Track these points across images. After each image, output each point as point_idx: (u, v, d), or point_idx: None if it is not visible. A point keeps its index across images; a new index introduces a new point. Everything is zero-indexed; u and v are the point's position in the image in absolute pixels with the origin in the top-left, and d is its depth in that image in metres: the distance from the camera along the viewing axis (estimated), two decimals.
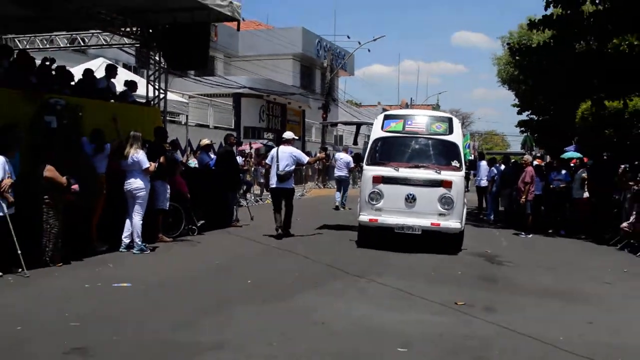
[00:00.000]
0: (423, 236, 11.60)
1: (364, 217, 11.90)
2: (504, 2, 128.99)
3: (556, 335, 6.94)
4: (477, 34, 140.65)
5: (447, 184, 11.49)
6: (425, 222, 11.50)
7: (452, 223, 11.57)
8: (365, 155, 12.59)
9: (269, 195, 15.55)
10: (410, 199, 11.55)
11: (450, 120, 12.79)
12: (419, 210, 11.56)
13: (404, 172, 11.79)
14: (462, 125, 29.06)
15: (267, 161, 14.19)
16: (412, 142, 12.64)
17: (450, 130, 12.43)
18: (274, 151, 13.50)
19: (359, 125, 22.09)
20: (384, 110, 42.83)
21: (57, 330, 6.40)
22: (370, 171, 12.05)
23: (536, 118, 34.67)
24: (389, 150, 12.57)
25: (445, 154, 12.28)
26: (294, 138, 14.17)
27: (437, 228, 11.57)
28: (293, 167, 13.20)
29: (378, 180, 11.80)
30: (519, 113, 36.31)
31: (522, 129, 37.16)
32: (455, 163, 12.00)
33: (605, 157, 19.63)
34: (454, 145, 12.26)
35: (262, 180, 22.93)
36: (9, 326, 6.47)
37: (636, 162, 15.59)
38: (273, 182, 13.25)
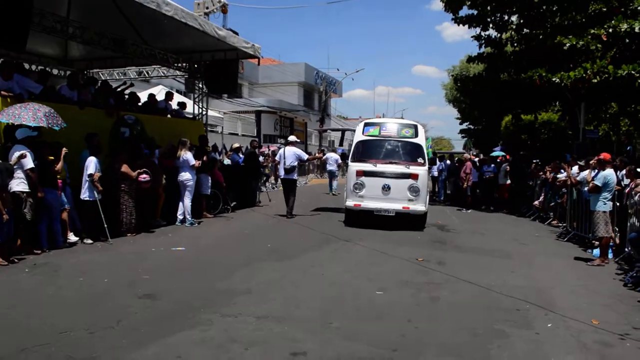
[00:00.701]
0: (396, 217, 11.05)
1: (350, 203, 11.35)
2: (450, 44, 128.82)
3: (488, 281, 7.01)
4: (430, 67, 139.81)
5: (414, 176, 11.06)
6: (397, 206, 10.99)
7: (419, 207, 11.10)
8: (350, 154, 12.10)
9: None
10: (386, 188, 11.06)
11: (415, 127, 12.25)
12: (393, 197, 11.05)
13: (381, 167, 11.28)
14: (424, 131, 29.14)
15: (276, 158, 13.97)
16: (386, 144, 11.96)
17: (416, 135, 11.89)
18: (281, 151, 13.06)
19: (343, 131, 22.20)
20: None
21: (133, 281, 6.44)
22: (354, 167, 11.46)
23: (473, 127, 34.72)
24: (369, 150, 11.91)
25: (412, 153, 11.67)
26: (297, 140, 13.77)
27: (407, 211, 11.04)
28: (296, 162, 12.76)
29: (360, 173, 11.25)
30: (461, 124, 36.41)
31: (463, 135, 37.25)
32: (420, 160, 11.48)
33: (522, 155, 19.72)
34: (419, 146, 11.72)
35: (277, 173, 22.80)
36: (98, 278, 6.53)
37: (538, 160, 15.67)
38: (281, 173, 12.88)
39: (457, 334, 4.99)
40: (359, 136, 12.10)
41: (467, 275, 7.28)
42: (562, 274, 7.88)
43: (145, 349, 4.28)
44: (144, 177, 9.60)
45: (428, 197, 11.45)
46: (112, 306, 5.41)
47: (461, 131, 37.03)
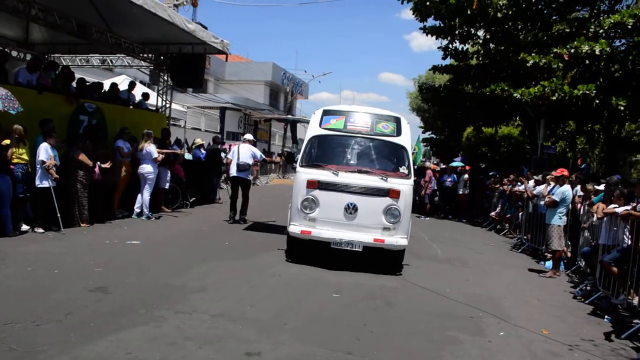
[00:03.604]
0: (364, 253, 7.60)
1: (295, 228, 7.68)
2: (418, 54, 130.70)
3: (443, 288, 7.14)
4: (397, 75, 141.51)
5: (394, 194, 7.57)
6: (367, 237, 7.53)
7: (398, 239, 7.60)
8: (300, 156, 8.29)
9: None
10: (351, 209, 7.53)
11: (398, 121, 8.40)
12: (361, 222, 7.58)
13: (345, 177, 7.65)
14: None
15: (229, 156, 12.00)
16: (354, 143, 8.34)
17: (399, 132, 8.25)
18: (235, 147, 11.60)
19: (293, 122, 16.68)
20: None
21: (85, 273, 6.24)
22: (305, 174, 7.81)
23: (435, 137, 35.27)
24: (328, 150, 8.38)
25: (393, 158, 8.32)
26: (253, 139, 12.23)
27: (380, 245, 7.55)
28: (251, 161, 11.34)
29: (313, 185, 7.67)
30: (423, 132, 36.90)
31: (425, 144, 37.74)
32: (403, 169, 7.94)
33: (481, 166, 20.21)
34: (402, 149, 8.16)
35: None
36: (48, 269, 6.30)
37: (496, 173, 16.05)
38: (233, 171, 11.31)
39: (412, 339, 5.03)
40: (314, 129, 8.37)
41: (423, 281, 7.38)
42: (516, 284, 8.08)
43: (94, 343, 4.13)
44: (97, 171, 9.39)
45: (410, 223, 8.00)
46: (61, 298, 5.20)
47: (423, 140, 37.51)
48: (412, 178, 7.97)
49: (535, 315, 6.30)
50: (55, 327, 4.41)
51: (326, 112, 8.53)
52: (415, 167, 9.52)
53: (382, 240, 7.54)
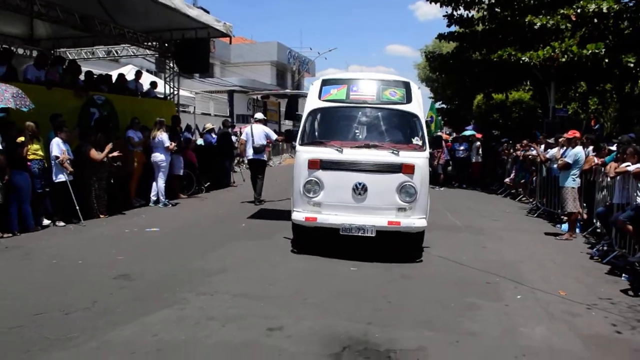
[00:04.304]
0: (377, 238, 6.75)
1: (299, 215, 6.89)
2: (423, 23, 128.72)
3: (460, 256, 7.20)
4: (404, 46, 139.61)
5: (407, 169, 6.67)
6: (380, 219, 6.65)
7: (416, 220, 6.72)
8: (299, 133, 7.33)
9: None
10: (360, 190, 6.65)
11: (407, 86, 7.41)
12: (371, 204, 6.70)
13: (350, 153, 6.78)
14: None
15: (242, 137, 12.05)
16: (359, 114, 7.43)
17: (409, 98, 7.28)
18: (248, 129, 11.60)
19: (292, 97, 13.37)
20: None
21: (107, 262, 6.41)
22: (305, 153, 6.96)
23: (446, 106, 35.01)
24: (329, 125, 7.52)
25: (404, 128, 7.38)
26: (264, 118, 12.11)
27: (396, 227, 6.67)
28: (265, 141, 11.36)
29: (315, 165, 6.80)
30: (434, 103, 36.59)
31: (437, 114, 37.47)
32: (417, 140, 7.02)
33: (493, 134, 20.09)
34: (414, 117, 7.22)
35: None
36: (72, 260, 6.49)
37: (508, 139, 15.95)
38: (249, 153, 11.36)
39: (430, 307, 5.12)
40: (313, 101, 7.47)
41: (439, 251, 7.44)
42: (532, 248, 8.10)
43: (121, 328, 4.28)
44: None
45: (428, 201, 7.10)
46: (86, 288, 5.38)
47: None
48: (428, 150, 7.01)
49: (552, 277, 6.33)
50: (83, 315, 4.58)
51: (325, 82, 7.61)
52: (433, 136, 8.55)
53: (398, 223, 6.66)
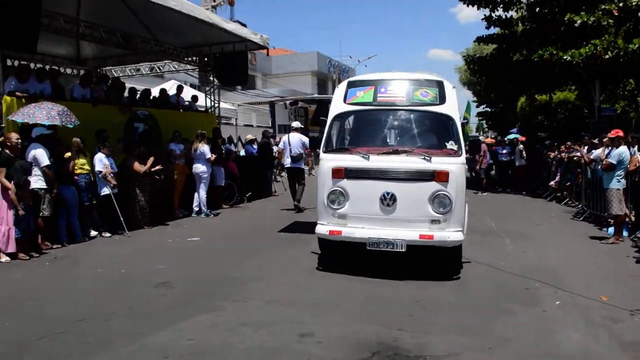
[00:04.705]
0: (408, 253, 6.16)
1: (322, 229, 6.43)
2: (465, 26, 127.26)
3: (499, 261, 7.09)
4: (445, 50, 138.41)
5: (441, 176, 6.12)
6: (411, 233, 6.10)
7: (452, 233, 6.11)
8: (323, 139, 6.82)
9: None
10: (388, 200, 6.14)
11: (440, 85, 6.81)
12: (402, 216, 6.17)
13: (377, 160, 6.28)
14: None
15: (280, 146, 12.28)
16: (387, 118, 6.98)
17: (442, 99, 6.65)
18: (285, 137, 11.79)
19: (320, 102, 13.79)
20: None
21: (149, 271, 6.66)
22: (329, 161, 6.53)
23: (490, 110, 34.41)
24: (355, 130, 7.24)
25: (437, 132, 6.83)
26: (301, 127, 12.26)
27: (429, 242, 6.10)
28: (302, 150, 11.50)
29: (340, 173, 6.36)
30: (477, 107, 36.02)
31: (480, 118, 36.88)
32: (451, 145, 6.38)
33: (538, 136, 19.60)
34: (449, 120, 6.56)
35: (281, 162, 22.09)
36: (115, 269, 6.77)
37: (550, 142, 15.56)
38: (287, 162, 11.62)
39: (463, 313, 5.08)
40: (338, 105, 6.96)
41: (478, 256, 7.32)
42: (575, 252, 7.90)
43: (158, 333, 4.46)
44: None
45: (467, 210, 6.63)
46: (128, 295, 5.62)
47: (478, 114, 36.63)
48: (464, 155, 6.41)
49: (594, 282, 6.15)
50: (123, 321, 4.79)
51: (351, 84, 7.11)
52: (470, 140, 7.68)
53: (431, 237, 6.05)
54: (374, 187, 6.22)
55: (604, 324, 4.79)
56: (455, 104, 6.72)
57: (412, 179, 6.18)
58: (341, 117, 6.99)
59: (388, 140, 6.84)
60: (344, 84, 7.20)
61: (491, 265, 6.90)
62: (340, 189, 6.33)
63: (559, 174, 13.94)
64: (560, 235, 9.21)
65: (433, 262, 6.74)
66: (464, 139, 6.66)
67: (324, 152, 6.69)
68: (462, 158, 6.36)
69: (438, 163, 6.18)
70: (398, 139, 6.84)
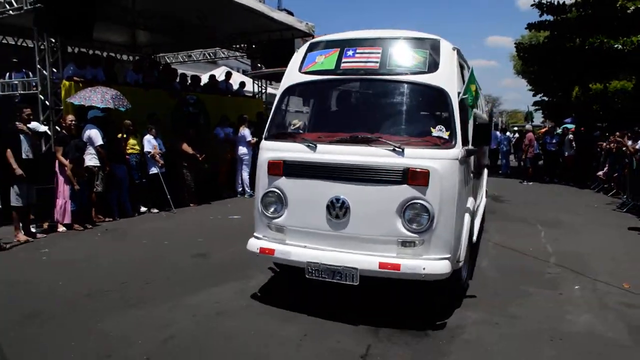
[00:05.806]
0: (363, 286, 4.20)
1: (254, 244, 4.77)
2: (524, 12, 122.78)
3: (526, 247, 7.19)
4: (504, 37, 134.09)
5: (417, 177, 4.13)
6: (368, 259, 4.17)
7: (430, 262, 4.13)
8: (268, 121, 5.11)
9: None
10: (338, 210, 4.27)
11: (435, 46, 4.70)
12: (357, 232, 4.28)
13: (327, 151, 4.43)
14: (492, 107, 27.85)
15: None
16: (353, 92, 5.42)
17: (434, 65, 4.57)
18: None
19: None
20: None
21: (189, 243, 7.20)
22: (268, 151, 4.78)
23: (547, 99, 33.49)
24: (312, 109, 5.56)
25: (422, 112, 4.91)
26: None
27: (393, 273, 4.10)
28: None
29: (277, 169, 4.61)
30: (534, 95, 35.12)
31: (537, 107, 35.92)
32: (440, 132, 4.35)
33: (599, 126, 19.01)
34: (440, 95, 4.48)
35: None
36: (159, 241, 7.39)
37: (597, 133, 15.15)
38: None
39: (480, 292, 5.20)
40: (291, 76, 5.10)
41: (507, 242, 7.45)
42: (608, 242, 7.86)
43: (190, 296, 4.96)
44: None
45: (466, 229, 4.66)
46: (168, 264, 6.17)
47: (534, 103, 35.63)
48: (460, 146, 4.34)
49: (620, 270, 6.15)
50: (161, 285, 5.34)
51: (312, 46, 5.20)
52: (476, 124, 4.97)
53: (397, 266, 4.09)
54: (319, 189, 4.40)
55: (617, 308, 4.87)
56: (455, 73, 4.66)
57: (372, 179, 4.26)
58: (293, 90, 5.18)
59: (350, 124, 4.89)
60: (304, 46, 5.29)
61: (519, 250, 7.01)
62: (277, 191, 4.60)
63: (607, 165, 13.67)
64: (598, 225, 9.14)
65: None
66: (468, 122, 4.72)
67: (266, 138, 4.93)
68: (456, 151, 4.33)
69: (414, 157, 4.23)
70: (365, 122, 4.81)
